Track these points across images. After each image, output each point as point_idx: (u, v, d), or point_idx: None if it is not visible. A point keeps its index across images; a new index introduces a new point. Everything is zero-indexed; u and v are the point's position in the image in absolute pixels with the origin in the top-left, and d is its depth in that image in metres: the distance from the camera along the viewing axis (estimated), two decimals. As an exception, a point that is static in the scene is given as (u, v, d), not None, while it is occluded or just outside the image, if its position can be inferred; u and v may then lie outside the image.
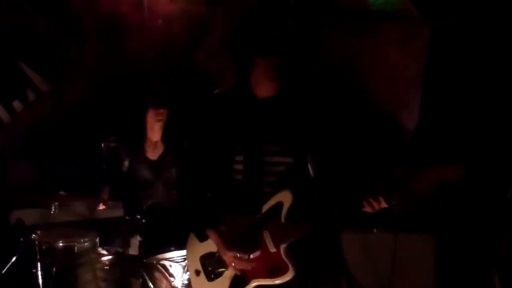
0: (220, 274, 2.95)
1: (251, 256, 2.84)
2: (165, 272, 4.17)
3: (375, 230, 4.20)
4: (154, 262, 4.17)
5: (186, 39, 5.06)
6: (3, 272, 4.09)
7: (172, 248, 4.13)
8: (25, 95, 5.13)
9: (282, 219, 2.81)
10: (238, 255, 2.82)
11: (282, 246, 2.81)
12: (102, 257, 4.23)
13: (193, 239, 3.07)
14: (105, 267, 4.19)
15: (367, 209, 2.66)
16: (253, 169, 2.85)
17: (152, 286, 4.12)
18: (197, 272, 3.04)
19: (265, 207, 2.84)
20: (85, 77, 5.09)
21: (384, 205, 2.63)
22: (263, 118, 2.87)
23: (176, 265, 4.17)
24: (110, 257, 4.24)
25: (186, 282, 4.15)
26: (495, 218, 3.82)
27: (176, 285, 4.17)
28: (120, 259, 4.23)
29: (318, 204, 2.64)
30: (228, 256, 2.85)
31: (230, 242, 2.86)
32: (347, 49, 4.61)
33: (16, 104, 5.10)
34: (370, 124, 4.44)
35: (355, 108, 4.34)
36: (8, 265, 4.11)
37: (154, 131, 4.56)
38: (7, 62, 5.06)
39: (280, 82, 2.82)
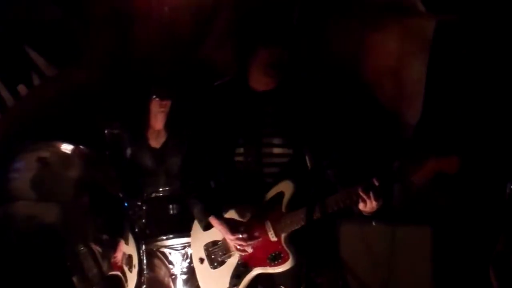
0: (223, 262, 3.01)
1: (255, 235, 2.89)
2: (164, 260, 4.21)
3: (373, 223, 4.22)
4: (154, 249, 4.21)
5: (192, 28, 5.06)
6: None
7: (172, 236, 4.17)
8: (30, 79, 5.12)
9: (283, 209, 2.86)
10: (241, 236, 2.87)
11: (283, 235, 2.86)
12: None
13: (197, 228, 3.12)
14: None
15: (361, 206, 2.70)
16: (252, 161, 2.90)
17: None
18: (201, 260, 3.10)
19: (267, 197, 2.89)
20: (91, 63, 5.09)
21: (374, 203, 2.67)
22: (261, 111, 2.90)
23: (176, 252, 4.20)
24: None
25: (185, 269, 4.19)
26: (492, 213, 3.84)
27: (175, 273, 4.21)
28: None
29: (313, 196, 2.67)
30: (232, 239, 2.91)
31: (234, 227, 2.92)
32: (350, 43, 4.61)
33: (21, 88, 5.09)
34: (371, 118, 4.46)
35: (355, 102, 4.36)
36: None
37: (157, 119, 4.57)
38: (13, 45, 5.06)
39: (279, 76, 2.85)
